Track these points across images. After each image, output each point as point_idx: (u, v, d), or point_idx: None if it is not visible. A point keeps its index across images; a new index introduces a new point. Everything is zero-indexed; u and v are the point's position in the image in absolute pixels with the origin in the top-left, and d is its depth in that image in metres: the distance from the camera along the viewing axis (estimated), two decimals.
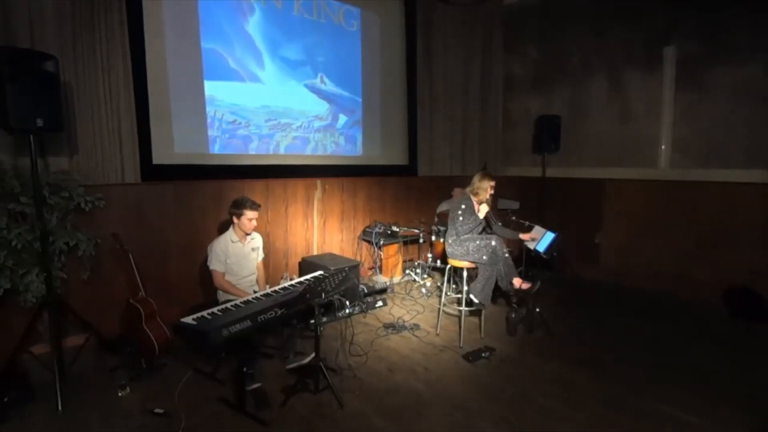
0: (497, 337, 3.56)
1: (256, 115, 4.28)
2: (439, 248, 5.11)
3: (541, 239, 3.73)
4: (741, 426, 2.38)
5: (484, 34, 6.05)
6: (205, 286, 3.61)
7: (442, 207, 5.14)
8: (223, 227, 3.26)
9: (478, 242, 3.54)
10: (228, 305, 2.56)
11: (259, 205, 3.16)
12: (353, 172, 5.09)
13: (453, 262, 3.67)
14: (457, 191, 4.93)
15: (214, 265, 3.06)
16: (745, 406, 2.55)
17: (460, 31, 5.87)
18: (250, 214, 3.07)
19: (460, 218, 3.59)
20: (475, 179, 3.68)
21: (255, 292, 3.01)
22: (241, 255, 3.15)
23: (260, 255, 3.31)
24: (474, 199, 3.67)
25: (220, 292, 3.12)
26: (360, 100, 5.15)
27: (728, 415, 2.46)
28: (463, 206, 3.62)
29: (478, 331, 3.62)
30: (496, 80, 6.18)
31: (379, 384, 2.83)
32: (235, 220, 3.12)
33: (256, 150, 4.31)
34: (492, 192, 3.69)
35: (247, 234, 3.17)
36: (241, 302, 2.62)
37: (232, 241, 3.12)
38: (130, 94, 3.41)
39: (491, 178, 3.67)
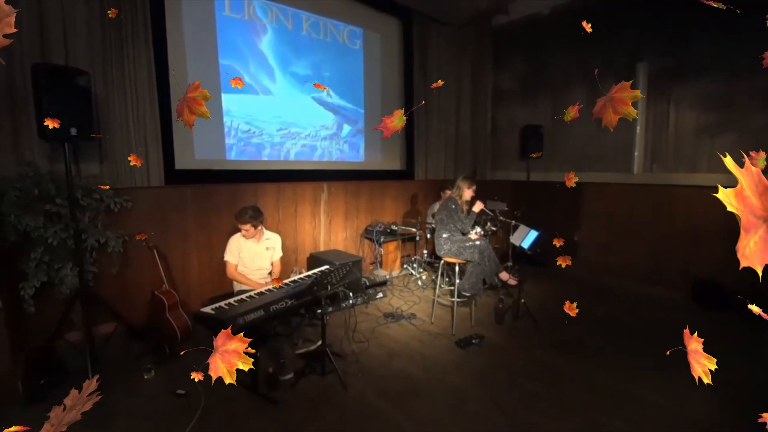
0: (486, 326, 3.56)
1: (269, 125, 4.28)
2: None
3: (525, 237, 3.73)
4: (710, 407, 2.38)
5: (475, 50, 6.04)
6: (223, 278, 3.60)
7: (434, 208, 5.11)
8: None
9: (469, 243, 3.55)
10: (243, 296, 2.57)
11: (253, 218, 3.03)
12: (356, 176, 5.08)
13: (447, 259, 3.67)
14: (446, 193, 4.92)
15: (227, 256, 3.09)
16: (713, 388, 2.54)
17: (453, 48, 5.86)
18: (240, 226, 3.04)
19: (457, 218, 3.61)
20: (459, 183, 3.70)
21: (267, 284, 3.02)
22: (254, 251, 3.16)
23: (277, 254, 3.26)
24: (459, 201, 3.70)
25: (235, 283, 3.13)
26: (362, 111, 5.14)
27: (698, 397, 2.46)
28: (453, 207, 3.64)
29: (469, 320, 3.62)
30: (486, 92, 6.18)
31: (380, 368, 2.84)
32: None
33: (268, 156, 4.31)
34: (473, 194, 3.71)
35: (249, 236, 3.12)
36: (255, 294, 2.63)
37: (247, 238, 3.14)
38: (154, 105, 3.41)
39: (472, 182, 3.70)
